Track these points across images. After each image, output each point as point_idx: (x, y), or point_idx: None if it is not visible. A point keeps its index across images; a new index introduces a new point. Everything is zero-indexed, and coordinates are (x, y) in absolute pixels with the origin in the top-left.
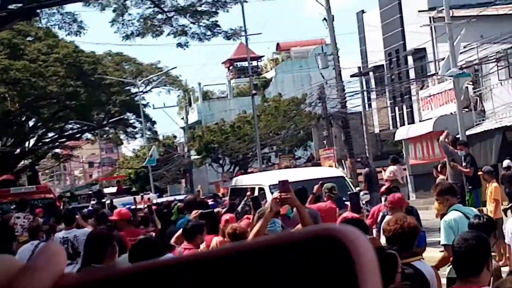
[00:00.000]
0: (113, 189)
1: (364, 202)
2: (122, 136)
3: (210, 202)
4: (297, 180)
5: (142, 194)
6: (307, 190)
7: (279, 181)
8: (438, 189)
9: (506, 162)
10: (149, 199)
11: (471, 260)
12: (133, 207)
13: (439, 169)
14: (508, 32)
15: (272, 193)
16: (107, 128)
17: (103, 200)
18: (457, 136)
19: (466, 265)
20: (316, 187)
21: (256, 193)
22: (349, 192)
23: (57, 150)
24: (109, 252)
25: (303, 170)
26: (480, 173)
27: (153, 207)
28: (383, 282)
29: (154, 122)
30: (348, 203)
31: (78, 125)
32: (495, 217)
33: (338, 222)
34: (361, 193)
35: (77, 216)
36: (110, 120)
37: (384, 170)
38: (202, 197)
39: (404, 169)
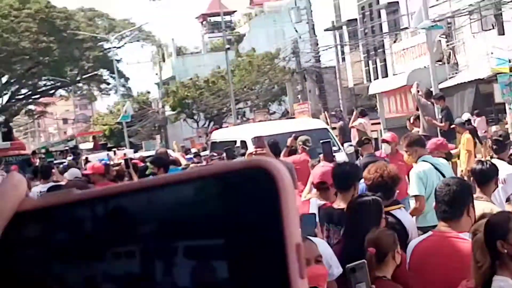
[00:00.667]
0: (90, 145)
1: (348, 153)
2: (96, 93)
3: (187, 156)
4: (281, 132)
5: (114, 150)
6: (279, 143)
7: (254, 137)
8: (406, 141)
9: (466, 116)
10: (124, 154)
11: (451, 204)
12: (108, 162)
13: (412, 121)
14: None
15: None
16: (80, 85)
17: (78, 156)
18: (431, 89)
19: (447, 209)
20: (289, 139)
21: (238, 146)
22: (321, 141)
23: (31, 107)
24: None
25: (287, 122)
26: (453, 126)
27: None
28: (368, 226)
29: (127, 79)
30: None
31: (51, 82)
32: (468, 167)
33: (314, 173)
34: (346, 145)
35: (53, 171)
36: (84, 76)
37: None
38: (178, 152)
39: (378, 123)
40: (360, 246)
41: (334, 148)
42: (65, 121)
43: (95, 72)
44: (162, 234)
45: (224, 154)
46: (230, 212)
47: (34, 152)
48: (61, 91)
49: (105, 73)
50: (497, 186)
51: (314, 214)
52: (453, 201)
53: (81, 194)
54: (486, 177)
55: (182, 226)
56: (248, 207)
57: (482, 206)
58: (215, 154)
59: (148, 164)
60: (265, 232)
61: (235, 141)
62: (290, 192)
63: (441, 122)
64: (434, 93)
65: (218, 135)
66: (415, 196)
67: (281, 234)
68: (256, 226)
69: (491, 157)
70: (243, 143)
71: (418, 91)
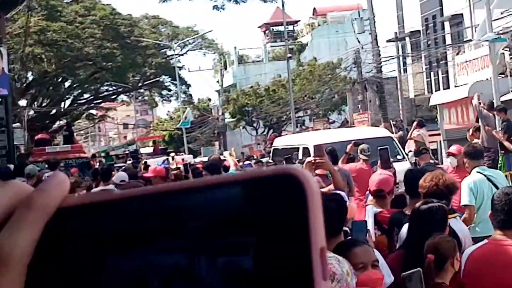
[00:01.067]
0: (150, 150)
1: (412, 162)
2: (157, 99)
3: (246, 162)
4: (345, 139)
5: (172, 155)
6: (337, 151)
7: (314, 146)
8: (464, 150)
9: None
10: (183, 159)
11: (509, 213)
12: (167, 166)
13: (471, 133)
14: None
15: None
16: (142, 90)
17: (138, 160)
18: (493, 102)
19: (504, 218)
20: (349, 146)
21: (300, 153)
22: (378, 147)
23: (92, 111)
24: None
25: (351, 130)
26: None
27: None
28: (432, 233)
29: (189, 85)
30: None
31: (113, 87)
32: None
33: (372, 181)
34: (410, 154)
35: (113, 173)
36: (146, 83)
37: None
38: (236, 159)
39: (438, 134)
40: (421, 254)
41: (399, 157)
42: (125, 126)
43: (157, 79)
44: (200, 232)
45: (284, 162)
46: (260, 214)
47: (93, 156)
48: (123, 97)
49: (166, 80)
50: None
51: (365, 221)
52: (511, 210)
53: (122, 193)
54: None
55: (217, 225)
56: (277, 211)
57: None
58: (270, 161)
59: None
60: (292, 235)
61: (297, 148)
62: (317, 198)
63: (499, 134)
64: (495, 105)
65: (280, 142)
66: (465, 205)
67: (307, 237)
68: (284, 229)
69: None
70: (306, 150)
71: (479, 102)
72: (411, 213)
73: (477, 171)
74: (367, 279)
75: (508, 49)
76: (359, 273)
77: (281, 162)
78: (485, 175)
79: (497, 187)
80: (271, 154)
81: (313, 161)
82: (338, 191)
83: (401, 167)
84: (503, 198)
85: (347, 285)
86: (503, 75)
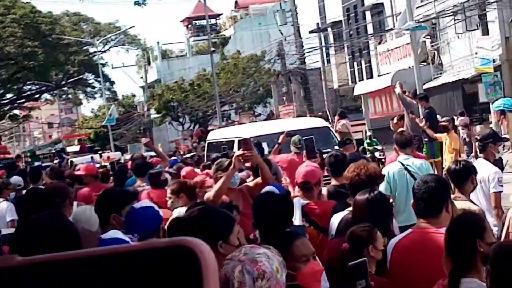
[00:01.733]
0: (76, 148)
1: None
2: (81, 96)
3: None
4: (282, 130)
5: (100, 152)
6: (261, 144)
7: (241, 139)
8: (394, 138)
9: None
10: (108, 157)
11: (430, 201)
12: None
13: (395, 121)
14: None
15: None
16: (66, 89)
17: (64, 159)
18: (415, 90)
19: (426, 206)
20: (281, 137)
21: (235, 147)
22: (304, 138)
23: (16, 111)
24: (66, 203)
25: (288, 120)
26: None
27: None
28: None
29: (113, 82)
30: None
31: (36, 86)
32: None
33: (298, 173)
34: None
35: (42, 174)
36: (69, 80)
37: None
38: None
39: (363, 124)
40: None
41: (337, 148)
42: (50, 125)
43: (81, 76)
44: None
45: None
46: (155, 287)
47: (18, 156)
48: (46, 95)
49: (90, 77)
50: (475, 185)
51: (304, 226)
52: (432, 198)
53: (23, 260)
54: (461, 177)
55: None
56: (171, 284)
57: (461, 205)
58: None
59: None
60: None
61: (233, 141)
62: (212, 271)
63: (422, 122)
64: (418, 94)
65: (215, 136)
66: None
67: None
68: None
69: (477, 157)
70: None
71: (404, 91)
72: (353, 204)
73: (398, 160)
74: (311, 272)
75: (429, 37)
76: (303, 266)
77: (217, 156)
78: (403, 164)
79: (414, 178)
80: (205, 148)
81: (241, 154)
82: (274, 185)
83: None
84: (422, 187)
85: (277, 282)
86: (425, 63)
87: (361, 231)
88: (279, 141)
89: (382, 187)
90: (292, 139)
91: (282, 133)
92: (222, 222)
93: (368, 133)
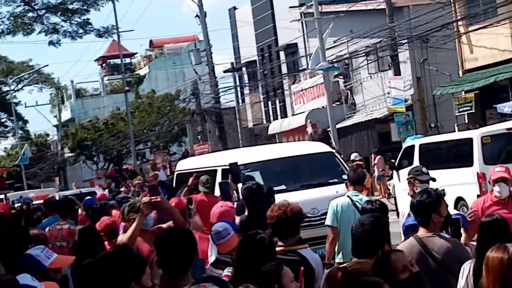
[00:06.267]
0: None
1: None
2: None
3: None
4: (284, 156)
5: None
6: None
7: (148, 186)
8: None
9: (353, 156)
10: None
11: (366, 243)
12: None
13: None
14: (376, 27)
15: (242, 173)
16: None
17: None
18: (328, 129)
19: (362, 247)
20: (191, 179)
21: (219, 176)
22: (219, 182)
23: None
24: None
25: (290, 145)
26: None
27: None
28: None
29: (26, 121)
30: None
31: None
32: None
33: (213, 213)
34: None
35: None
36: None
37: None
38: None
39: None
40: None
41: (345, 177)
42: None
43: None
44: None
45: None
46: None
47: None
48: None
49: (3, 116)
50: None
51: (203, 260)
52: (368, 241)
53: None
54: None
55: None
56: None
57: None
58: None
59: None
60: None
61: (214, 170)
62: None
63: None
64: (331, 133)
65: (186, 165)
66: (328, 226)
67: None
68: None
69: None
70: (227, 172)
71: (315, 130)
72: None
73: (347, 195)
74: None
75: (342, 77)
76: None
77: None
78: (352, 200)
79: (360, 213)
80: (174, 180)
81: (148, 200)
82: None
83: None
84: (359, 228)
85: None
86: (338, 103)
87: (270, 269)
88: (189, 183)
89: (328, 219)
90: (200, 179)
91: (286, 158)
92: (133, 263)
93: None
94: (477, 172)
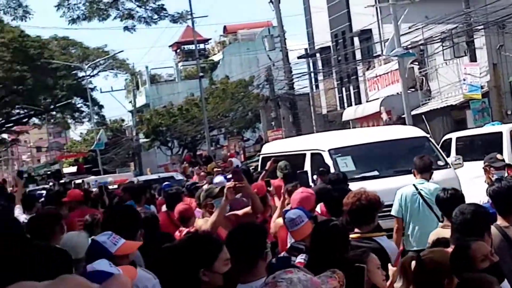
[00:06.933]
0: (73, 169)
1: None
2: (69, 121)
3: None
4: (378, 140)
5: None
6: (250, 170)
7: (232, 171)
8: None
9: None
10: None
11: (467, 232)
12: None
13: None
14: (452, 13)
15: (333, 159)
16: (54, 113)
17: (61, 181)
18: (403, 116)
19: (465, 234)
20: (268, 163)
21: (307, 162)
22: (298, 171)
23: (4, 135)
24: (57, 230)
25: (384, 129)
26: None
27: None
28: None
29: (101, 106)
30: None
31: (25, 110)
32: None
33: (293, 199)
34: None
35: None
36: (57, 105)
37: None
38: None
39: None
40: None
41: (440, 163)
42: (38, 149)
43: (69, 101)
44: None
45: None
46: None
47: (4, 180)
48: (35, 120)
49: (79, 101)
50: None
51: (289, 257)
52: (471, 228)
53: None
54: (450, 206)
55: None
56: None
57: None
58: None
59: None
60: None
61: (303, 155)
62: None
63: None
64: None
65: (271, 149)
66: (392, 216)
67: None
68: None
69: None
70: (316, 156)
71: (390, 117)
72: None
73: (413, 184)
74: None
75: (417, 63)
76: None
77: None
78: (417, 188)
79: (426, 202)
80: (259, 164)
81: (233, 185)
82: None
83: (444, 176)
84: (459, 217)
85: None
86: (413, 89)
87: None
88: (266, 167)
89: (394, 209)
90: (278, 164)
91: (380, 142)
92: (204, 249)
93: None
94: None
